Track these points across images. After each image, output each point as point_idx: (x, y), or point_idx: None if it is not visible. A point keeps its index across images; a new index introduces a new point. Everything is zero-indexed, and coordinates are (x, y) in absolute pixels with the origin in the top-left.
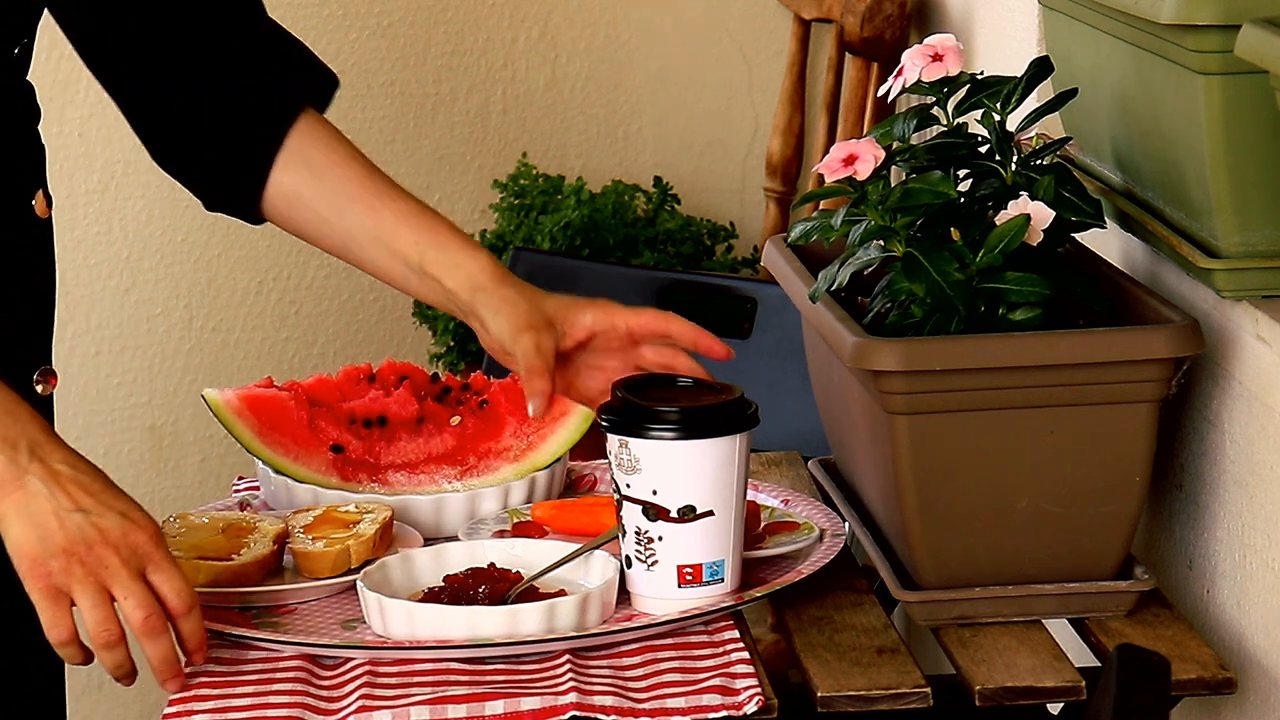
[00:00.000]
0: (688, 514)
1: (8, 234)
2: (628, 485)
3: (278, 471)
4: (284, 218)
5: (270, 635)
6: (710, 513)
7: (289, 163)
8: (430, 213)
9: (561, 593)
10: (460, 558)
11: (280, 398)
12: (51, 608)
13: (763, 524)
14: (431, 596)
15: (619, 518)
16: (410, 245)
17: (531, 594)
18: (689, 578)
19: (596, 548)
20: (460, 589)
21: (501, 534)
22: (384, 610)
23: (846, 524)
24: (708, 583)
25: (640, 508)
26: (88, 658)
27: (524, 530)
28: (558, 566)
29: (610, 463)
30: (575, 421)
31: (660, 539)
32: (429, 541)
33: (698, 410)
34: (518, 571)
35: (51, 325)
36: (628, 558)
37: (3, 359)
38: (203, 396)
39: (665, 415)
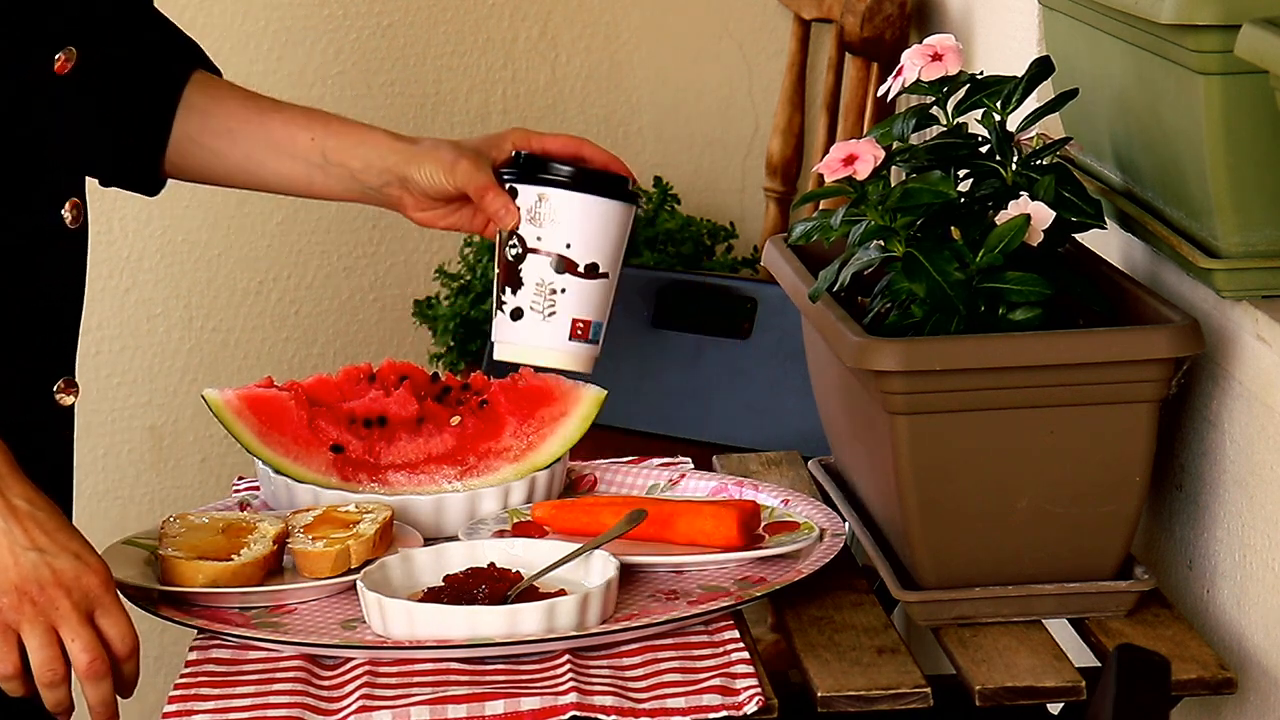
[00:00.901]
0: (592, 271)
1: (34, 242)
2: (538, 239)
3: (278, 471)
4: (178, 165)
5: (270, 635)
6: (606, 274)
7: (179, 114)
8: (318, 111)
9: (561, 592)
10: (460, 558)
11: (280, 398)
12: None
13: (763, 524)
14: (431, 596)
15: (514, 275)
16: (307, 143)
17: (531, 594)
18: (580, 333)
19: (597, 547)
20: (460, 589)
21: (501, 534)
22: (384, 610)
23: (846, 524)
24: (590, 341)
25: (550, 260)
26: (29, 691)
27: (524, 530)
28: (557, 566)
29: (520, 217)
30: (575, 422)
31: (563, 291)
32: (429, 541)
33: (615, 177)
34: (518, 571)
35: (75, 336)
36: (517, 309)
37: (23, 368)
38: (203, 396)
39: (591, 175)
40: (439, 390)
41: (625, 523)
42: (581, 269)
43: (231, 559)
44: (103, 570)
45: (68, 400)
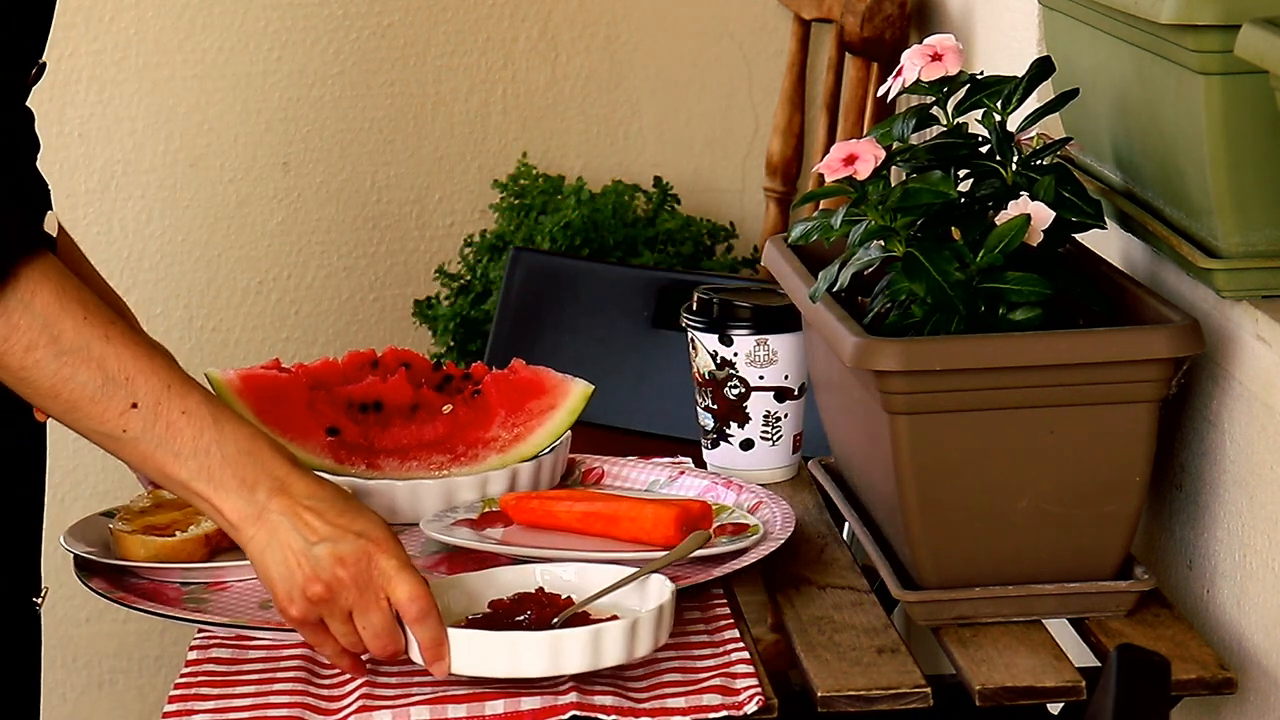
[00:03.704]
0: (802, 391)
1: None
2: (760, 377)
3: None
4: None
5: (185, 614)
6: (805, 386)
7: None
8: None
9: (614, 618)
10: (510, 583)
11: (282, 379)
12: (310, 634)
13: (715, 524)
14: (475, 624)
15: (739, 411)
16: None
17: (581, 620)
18: (797, 444)
19: (654, 571)
20: (504, 615)
21: (468, 523)
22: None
23: (792, 517)
24: (801, 446)
25: (772, 393)
26: (360, 667)
27: (490, 520)
28: (608, 592)
29: (735, 364)
30: (562, 415)
31: (785, 416)
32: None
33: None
34: (568, 597)
35: None
36: (747, 441)
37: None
38: (206, 375)
39: (793, 312)
40: (440, 379)
41: (690, 542)
42: (796, 392)
43: (175, 534)
44: (385, 540)
45: (42, 416)
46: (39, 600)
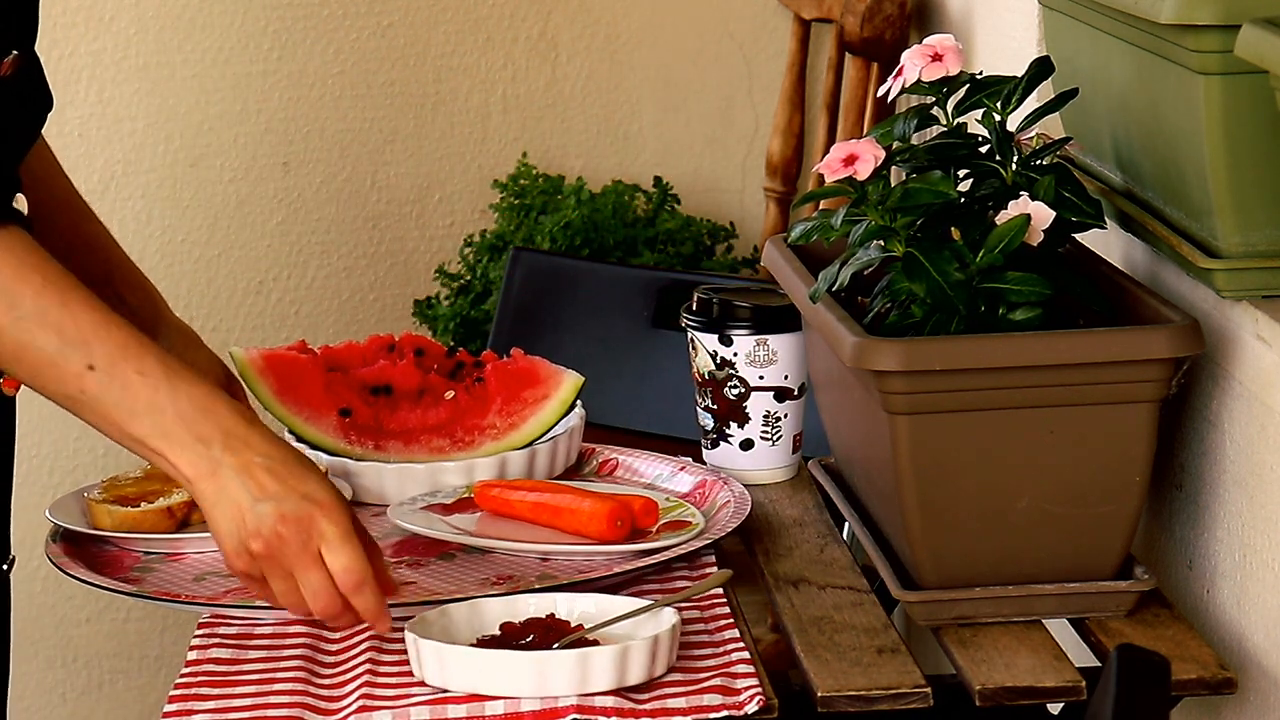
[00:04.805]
0: (802, 390)
1: None
2: (760, 377)
3: (290, 430)
4: None
5: (111, 584)
6: (805, 386)
7: None
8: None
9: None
10: (524, 608)
11: (302, 360)
12: (255, 588)
13: (660, 521)
14: (481, 644)
15: (739, 411)
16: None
17: (584, 647)
18: (797, 444)
19: (670, 605)
20: (511, 637)
21: (439, 507)
22: (420, 652)
23: (741, 511)
24: (801, 446)
25: (772, 393)
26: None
27: (462, 507)
28: (615, 622)
29: (735, 364)
30: (554, 405)
31: (785, 416)
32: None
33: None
34: (579, 625)
35: None
36: (747, 441)
37: None
38: (230, 353)
39: (793, 312)
40: (453, 365)
41: (707, 583)
42: (796, 392)
43: (140, 505)
44: (331, 504)
45: (10, 390)
46: (7, 567)
